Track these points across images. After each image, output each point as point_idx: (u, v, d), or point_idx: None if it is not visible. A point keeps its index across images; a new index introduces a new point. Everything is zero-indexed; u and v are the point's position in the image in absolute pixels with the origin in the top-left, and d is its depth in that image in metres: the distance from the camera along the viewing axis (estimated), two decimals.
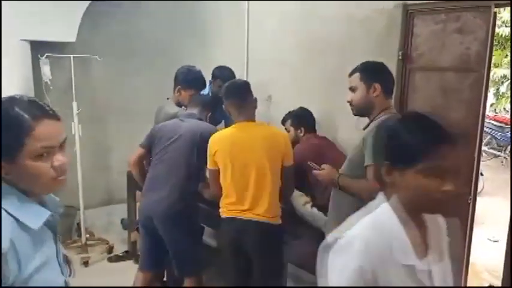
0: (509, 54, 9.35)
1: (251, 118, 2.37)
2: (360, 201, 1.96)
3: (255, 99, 2.42)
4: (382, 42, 2.75)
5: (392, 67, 2.66)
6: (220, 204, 2.37)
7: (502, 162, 8.87)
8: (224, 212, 2.35)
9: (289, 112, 3.09)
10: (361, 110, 2.07)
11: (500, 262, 3.80)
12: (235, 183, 2.28)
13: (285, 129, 3.05)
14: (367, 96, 2.01)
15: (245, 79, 3.58)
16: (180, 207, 2.46)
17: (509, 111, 10.04)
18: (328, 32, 3.08)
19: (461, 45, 2.47)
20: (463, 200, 2.49)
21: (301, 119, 3.02)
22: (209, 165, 2.38)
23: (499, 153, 9.17)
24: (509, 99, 9.78)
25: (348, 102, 2.09)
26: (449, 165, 1.02)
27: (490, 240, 4.64)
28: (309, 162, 2.23)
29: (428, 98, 2.63)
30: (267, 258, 2.33)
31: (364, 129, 2.05)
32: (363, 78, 2.02)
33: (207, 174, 2.71)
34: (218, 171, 2.34)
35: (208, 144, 2.35)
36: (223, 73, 3.27)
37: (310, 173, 2.23)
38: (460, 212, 2.52)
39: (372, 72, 2.03)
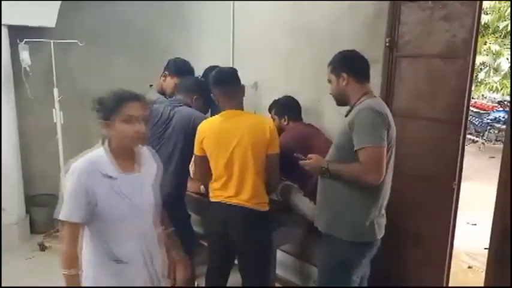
0: (488, 41, 9.55)
1: (239, 106, 2.38)
2: (355, 191, 2.00)
3: (243, 87, 2.44)
4: (369, 30, 2.75)
5: (380, 54, 2.69)
6: (209, 189, 2.42)
7: (480, 147, 9.11)
8: (212, 197, 2.39)
9: (275, 100, 3.08)
10: (338, 100, 2.17)
11: (478, 245, 3.93)
12: (221, 170, 2.31)
13: (271, 117, 3.04)
14: (337, 86, 2.11)
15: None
16: (178, 192, 2.52)
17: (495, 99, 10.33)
18: (316, 20, 3.06)
19: (447, 32, 2.49)
20: (448, 186, 2.54)
21: (285, 107, 3.00)
22: (196, 152, 2.41)
23: (476, 138, 9.40)
24: (488, 86, 10.03)
25: (330, 94, 2.19)
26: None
27: (469, 223, 4.77)
28: (295, 154, 2.23)
29: (414, 85, 2.65)
30: (252, 245, 2.36)
31: (346, 115, 2.11)
32: (333, 70, 2.13)
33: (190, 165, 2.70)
34: (205, 157, 2.37)
35: (197, 131, 2.38)
36: None
37: (298, 162, 2.24)
38: (445, 197, 2.57)
39: (338, 62, 2.13)
